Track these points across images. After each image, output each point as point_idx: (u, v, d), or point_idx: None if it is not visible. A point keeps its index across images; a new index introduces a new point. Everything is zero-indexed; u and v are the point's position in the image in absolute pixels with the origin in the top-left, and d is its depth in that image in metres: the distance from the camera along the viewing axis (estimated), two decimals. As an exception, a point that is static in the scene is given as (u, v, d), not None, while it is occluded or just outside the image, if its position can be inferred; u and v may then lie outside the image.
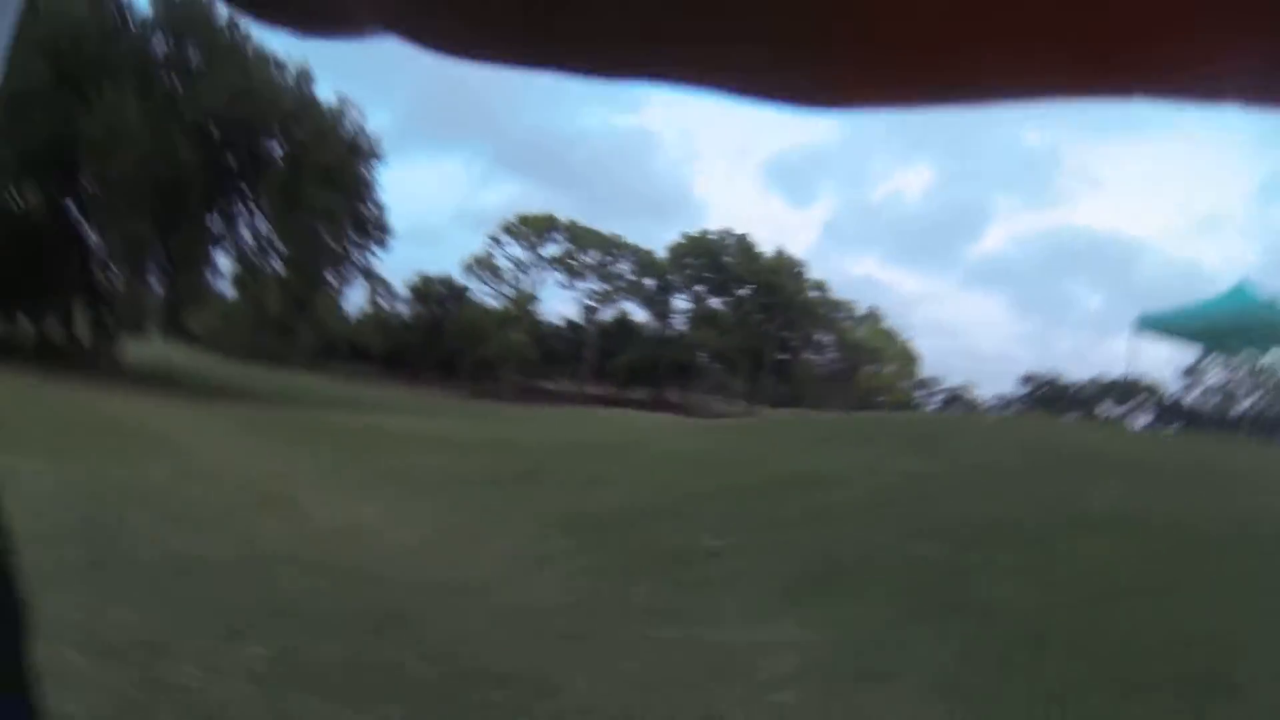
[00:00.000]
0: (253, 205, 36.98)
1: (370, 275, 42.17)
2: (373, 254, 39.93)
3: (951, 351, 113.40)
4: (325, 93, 38.68)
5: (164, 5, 33.30)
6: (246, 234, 37.55)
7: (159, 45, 34.14)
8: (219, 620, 3.51)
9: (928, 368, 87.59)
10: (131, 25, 33.61)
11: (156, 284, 38.97)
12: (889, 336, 71.07)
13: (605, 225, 75.09)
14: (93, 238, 34.79)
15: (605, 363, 69.05)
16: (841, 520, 7.06)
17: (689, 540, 6.64)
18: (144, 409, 12.73)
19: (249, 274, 38.91)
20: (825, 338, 72.14)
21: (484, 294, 76.98)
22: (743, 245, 70.71)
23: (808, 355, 72.17)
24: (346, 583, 4.68)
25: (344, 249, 38.63)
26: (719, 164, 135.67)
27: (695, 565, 6.03)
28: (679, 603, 5.11)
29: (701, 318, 70.08)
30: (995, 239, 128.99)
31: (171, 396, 16.66)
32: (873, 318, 73.49)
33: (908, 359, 71.21)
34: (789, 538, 6.69)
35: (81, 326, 34.58)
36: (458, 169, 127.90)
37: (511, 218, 73.69)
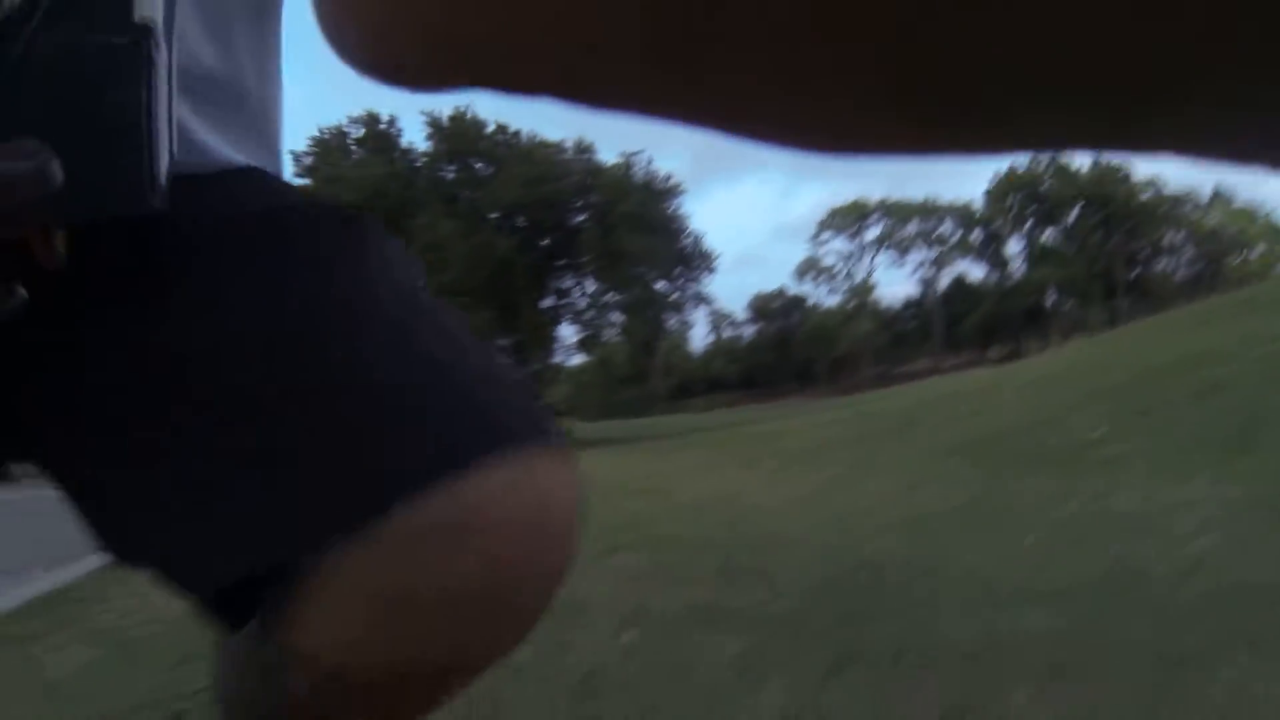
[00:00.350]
0: (577, 272, 38.88)
1: (706, 302, 43.21)
2: (704, 283, 41.17)
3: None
4: (609, 156, 40.42)
5: (441, 137, 36.53)
6: (580, 300, 39.49)
7: (449, 170, 37.47)
8: (591, 545, 3.64)
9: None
10: (420, 163, 37.31)
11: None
12: (1248, 215, 63.54)
13: (917, 193, 72.62)
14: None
15: (954, 330, 66.80)
16: (1238, 388, 6.41)
17: (1075, 438, 6.26)
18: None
19: (592, 336, 40.92)
20: (1175, 237, 66.02)
21: (821, 297, 76.96)
22: (1057, 166, 66.27)
23: (1161, 263, 66.38)
24: (713, 528, 4.72)
25: (675, 284, 40.11)
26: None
27: (1086, 454, 5.67)
28: (1075, 486, 4.79)
29: (1039, 255, 66.31)
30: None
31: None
32: (1222, 200, 65.87)
33: (1277, 235, 63.44)
34: (1182, 414, 6.16)
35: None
36: (758, 191, 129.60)
37: (824, 215, 73.35)
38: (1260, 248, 61.08)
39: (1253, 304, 10.25)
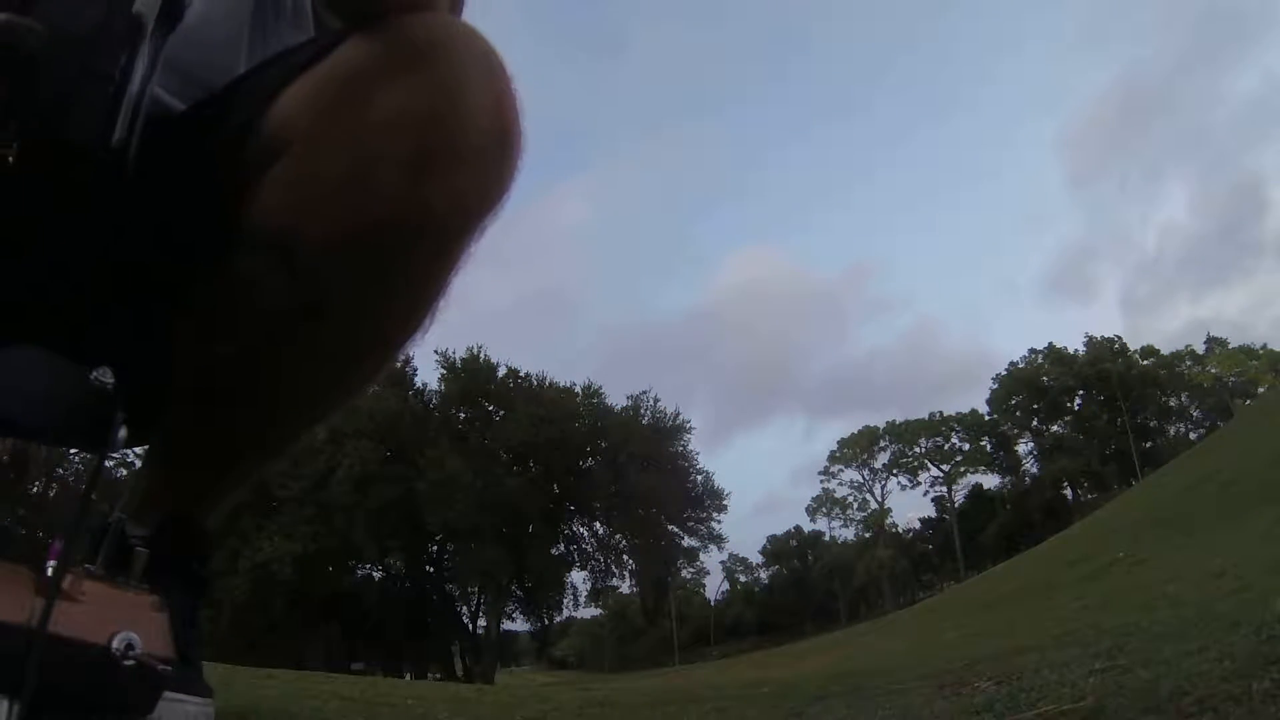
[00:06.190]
0: (587, 516, 38.73)
1: (721, 542, 43.69)
2: (718, 522, 40.89)
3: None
4: (618, 399, 40.78)
5: (455, 382, 38.32)
6: (590, 544, 39.15)
7: (461, 411, 39.22)
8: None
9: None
10: (434, 403, 39.48)
11: (521, 620, 42.31)
12: (1247, 354, 62.62)
13: (928, 413, 71.43)
14: (452, 586, 37.96)
15: (976, 541, 64.54)
16: None
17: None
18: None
19: (604, 585, 41.55)
20: (1182, 399, 65.69)
21: (836, 530, 75.44)
22: (1053, 354, 66.28)
23: (1174, 428, 65.05)
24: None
25: (686, 524, 39.84)
26: (999, 311, 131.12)
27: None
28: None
29: (1048, 449, 65.24)
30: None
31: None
32: (1218, 347, 65.88)
33: (1283, 361, 61.30)
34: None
35: (460, 665, 37.91)
36: (778, 436, 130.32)
37: (834, 448, 72.82)
38: (1267, 383, 58.93)
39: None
